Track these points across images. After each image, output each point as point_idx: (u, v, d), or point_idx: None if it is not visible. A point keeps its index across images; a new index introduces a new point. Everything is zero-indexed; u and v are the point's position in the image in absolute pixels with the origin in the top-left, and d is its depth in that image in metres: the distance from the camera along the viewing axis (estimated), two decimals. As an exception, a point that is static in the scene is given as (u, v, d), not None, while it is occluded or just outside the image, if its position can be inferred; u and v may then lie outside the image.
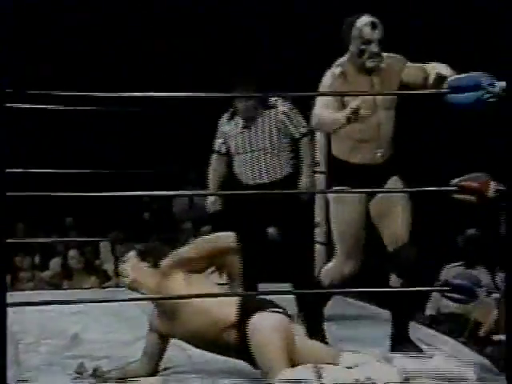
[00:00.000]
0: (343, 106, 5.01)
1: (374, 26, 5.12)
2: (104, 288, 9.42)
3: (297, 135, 6.28)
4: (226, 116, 6.41)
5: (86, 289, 9.33)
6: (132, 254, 5.04)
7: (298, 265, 6.26)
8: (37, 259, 10.41)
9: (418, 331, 5.84)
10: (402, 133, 5.25)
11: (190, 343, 4.88)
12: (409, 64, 5.20)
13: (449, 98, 4.64)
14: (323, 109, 5.07)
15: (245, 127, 6.29)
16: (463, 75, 4.65)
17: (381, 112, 5.14)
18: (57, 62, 12.48)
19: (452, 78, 4.74)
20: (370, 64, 5.10)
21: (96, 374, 4.77)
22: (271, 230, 6.32)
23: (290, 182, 6.26)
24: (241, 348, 4.65)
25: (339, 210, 5.24)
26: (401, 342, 5.12)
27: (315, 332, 5.39)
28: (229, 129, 6.38)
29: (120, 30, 12.72)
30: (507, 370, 4.16)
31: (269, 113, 6.25)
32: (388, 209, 5.21)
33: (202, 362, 4.93)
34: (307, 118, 6.10)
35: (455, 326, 7.74)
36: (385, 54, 5.19)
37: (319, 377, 4.37)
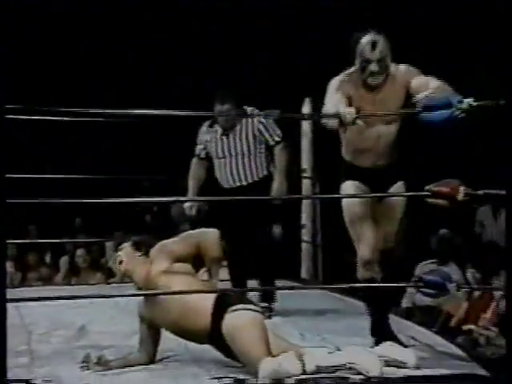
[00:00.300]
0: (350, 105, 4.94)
1: (373, 46, 4.93)
2: (109, 284, 9.42)
3: (271, 142, 6.32)
4: (206, 124, 6.43)
5: (92, 284, 9.33)
6: (127, 244, 5.09)
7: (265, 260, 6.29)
8: (48, 258, 10.39)
9: (395, 323, 5.86)
10: (409, 141, 5.21)
11: (169, 330, 4.87)
12: (417, 77, 4.98)
13: (422, 116, 4.68)
14: (331, 104, 4.95)
15: (223, 134, 6.32)
16: (436, 95, 4.68)
17: (381, 126, 5.00)
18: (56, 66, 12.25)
19: (424, 98, 4.74)
20: (370, 81, 4.97)
21: (100, 362, 4.77)
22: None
23: (266, 183, 6.27)
24: (215, 337, 4.64)
25: (349, 200, 5.17)
26: (383, 335, 5.07)
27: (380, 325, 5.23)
28: (209, 136, 6.41)
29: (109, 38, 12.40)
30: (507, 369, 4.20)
31: (246, 121, 6.28)
32: (386, 211, 5.17)
33: (199, 351, 4.91)
34: (282, 127, 6.15)
35: (429, 318, 7.76)
36: (393, 66, 5.03)
37: (302, 363, 4.39)
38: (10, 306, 5.50)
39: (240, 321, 4.58)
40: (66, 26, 12.15)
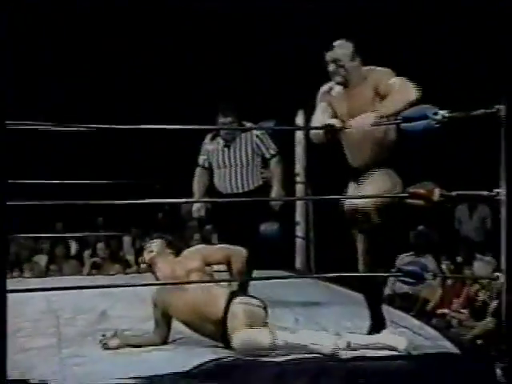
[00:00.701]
0: (335, 115, 4.92)
1: (329, 48, 4.89)
2: (127, 274, 9.44)
3: (267, 156, 6.31)
4: (209, 136, 6.39)
5: (111, 275, 9.35)
6: (161, 240, 5.11)
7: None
8: (73, 250, 10.41)
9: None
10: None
11: (180, 320, 4.89)
12: (387, 81, 4.84)
13: (402, 126, 4.71)
14: (317, 115, 4.97)
15: (225, 146, 6.29)
16: (413, 108, 4.71)
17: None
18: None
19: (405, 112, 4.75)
20: (334, 80, 4.93)
21: (117, 334, 4.80)
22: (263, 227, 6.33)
23: (260, 192, 6.26)
24: (222, 334, 4.71)
25: None
26: (381, 321, 5.05)
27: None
28: (211, 147, 6.37)
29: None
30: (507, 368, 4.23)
31: (245, 135, 6.26)
32: None
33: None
34: (277, 136, 6.15)
35: (407, 303, 7.77)
36: (366, 68, 4.92)
37: (274, 338, 4.41)
38: (38, 294, 5.56)
39: (235, 308, 4.67)
40: (71, 32, 11.54)
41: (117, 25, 11.37)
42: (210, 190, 6.41)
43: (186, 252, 5.07)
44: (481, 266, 7.76)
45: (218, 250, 5.16)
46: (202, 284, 4.86)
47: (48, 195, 5.15)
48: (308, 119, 7.20)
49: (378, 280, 5.22)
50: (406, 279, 4.90)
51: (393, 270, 4.96)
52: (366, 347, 4.50)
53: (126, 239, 10.47)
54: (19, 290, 4.18)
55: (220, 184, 6.33)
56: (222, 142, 6.31)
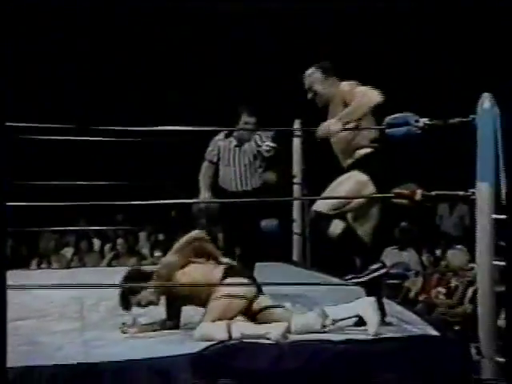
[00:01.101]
0: None
1: (304, 79, 5.01)
2: (142, 265, 9.40)
3: (266, 154, 6.03)
4: (222, 134, 6.11)
5: (129, 266, 9.32)
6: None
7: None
8: (95, 244, 10.42)
9: (364, 295, 5.86)
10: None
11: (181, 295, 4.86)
12: (349, 92, 4.80)
13: (387, 132, 4.71)
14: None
15: (236, 146, 6.07)
16: (397, 115, 4.71)
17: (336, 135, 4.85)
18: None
19: (389, 117, 4.76)
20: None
21: (134, 325, 4.78)
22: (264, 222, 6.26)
23: (261, 190, 6.09)
24: None
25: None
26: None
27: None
28: (223, 144, 6.10)
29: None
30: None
31: (254, 138, 6.06)
32: None
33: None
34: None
35: (393, 292, 7.75)
36: (337, 85, 4.90)
37: (229, 332, 4.41)
38: (66, 282, 5.51)
39: (212, 303, 4.64)
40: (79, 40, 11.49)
41: (128, 29, 11.28)
42: (214, 185, 6.21)
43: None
44: (453, 254, 7.78)
45: (180, 244, 4.99)
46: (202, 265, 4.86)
47: (72, 194, 5.17)
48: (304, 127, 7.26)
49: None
50: (393, 281, 4.93)
51: (381, 270, 4.88)
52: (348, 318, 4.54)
53: (142, 234, 10.46)
54: (18, 286, 4.19)
55: (226, 180, 6.11)
56: (234, 141, 6.08)
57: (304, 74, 5.01)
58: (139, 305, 4.81)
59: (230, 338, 4.38)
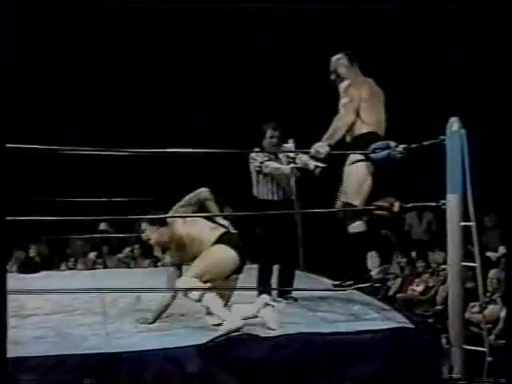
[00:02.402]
0: None
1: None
2: (156, 267, 9.36)
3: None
4: (256, 149, 5.64)
5: (144, 267, 9.28)
6: (144, 224, 4.90)
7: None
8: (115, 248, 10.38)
9: (350, 293, 5.86)
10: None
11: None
12: (344, 92, 4.93)
13: (370, 155, 4.77)
14: None
15: (270, 159, 5.64)
16: (378, 142, 4.78)
17: None
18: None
19: (373, 144, 4.81)
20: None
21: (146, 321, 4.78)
22: None
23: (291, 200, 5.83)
24: None
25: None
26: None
27: None
28: (261, 159, 5.61)
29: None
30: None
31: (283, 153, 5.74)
32: None
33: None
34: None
35: (375, 290, 7.74)
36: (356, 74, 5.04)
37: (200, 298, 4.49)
38: (89, 281, 5.50)
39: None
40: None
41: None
42: (250, 197, 5.81)
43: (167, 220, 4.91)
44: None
45: (183, 201, 4.91)
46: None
47: (96, 206, 5.17)
48: (297, 147, 7.22)
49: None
50: (376, 285, 5.01)
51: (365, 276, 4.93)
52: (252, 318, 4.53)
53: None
54: (18, 291, 4.18)
55: (264, 192, 5.64)
56: (267, 156, 5.65)
57: (331, 59, 5.04)
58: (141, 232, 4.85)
59: (199, 300, 4.47)
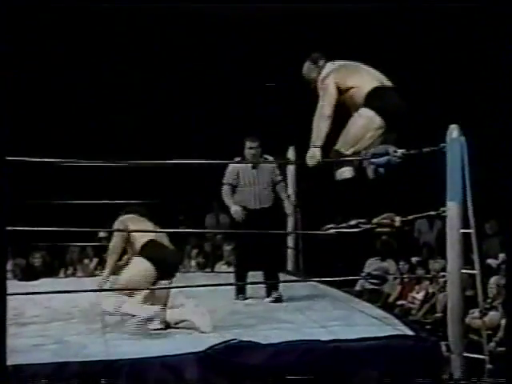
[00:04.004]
0: None
1: None
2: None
3: (277, 180, 6.16)
4: (236, 159, 6.04)
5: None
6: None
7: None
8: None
9: (350, 300, 5.88)
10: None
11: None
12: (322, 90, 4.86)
13: (371, 160, 4.76)
14: None
15: (253, 168, 6.04)
16: (378, 147, 4.76)
17: None
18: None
19: (372, 149, 4.79)
20: None
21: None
22: None
23: (271, 209, 6.10)
24: None
25: None
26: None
27: None
28: (240, 167, 6.06)
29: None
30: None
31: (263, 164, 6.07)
32: None
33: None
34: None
35: (374, 297, 7.75)
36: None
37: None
38: (89, 288, 5.47)
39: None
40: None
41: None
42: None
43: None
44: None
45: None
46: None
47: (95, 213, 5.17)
48: (298, 154, 7.25)
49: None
50: (373, 281, 4.97)
51: (362, 274, 4.95)
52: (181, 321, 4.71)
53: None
54: (17, 293, 4.23)
55: (245, 199, 6.03)
56: (249, 164, 6.04)
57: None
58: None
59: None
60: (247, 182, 6.03)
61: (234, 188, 6.07)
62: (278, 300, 5.83)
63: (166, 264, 4.87)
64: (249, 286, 6.12)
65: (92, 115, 10.71)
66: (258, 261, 6.00)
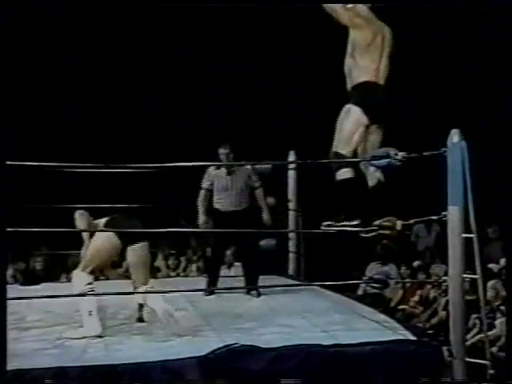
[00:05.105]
0: None
1: None
2: (157, 278, 9.30)
3: (255, 185, 6.58)
4: (213, 166, 6.56)
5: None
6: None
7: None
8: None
9: (352, 305, 5.87)
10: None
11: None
12: None
13: (371, 162, 4.77)
14: None
15: (227, 174, 6.50)
16: (379, 149, 4.77)
17: None
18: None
19: (372, 151, 4.81)
20: None
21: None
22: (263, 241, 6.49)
23: (250, 210, 6.52)
24: None
25: None
26: None
27: None
28: (216, 173, 6.52)
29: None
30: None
31: (240, 169, 6.51)
32: None
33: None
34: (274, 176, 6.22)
35: (376, 302, 7.74)
36: None
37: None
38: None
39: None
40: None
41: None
42: (210, 207, 6.59)
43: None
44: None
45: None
46: None
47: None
48: (298, 159, 7.27)
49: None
50: (374, 285, 4.97)
51: (364, 278, 4.95)
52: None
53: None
54: (16, 297, 4.19)
55: (223, 203, 6.50)
56: (225, 170, 6.51)
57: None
58: None
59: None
60: (221, 187, 6.49)
61: (211, 192, 6.54)
62: (258, 296, 6.28)
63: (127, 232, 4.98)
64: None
65: (93, 119, 10.72)
66: (239, 260, 6.60)
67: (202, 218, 6.54)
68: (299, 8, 8.87)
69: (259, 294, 6.30)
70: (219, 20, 10.22)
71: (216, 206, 6.54)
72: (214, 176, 6.52)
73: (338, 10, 4.79)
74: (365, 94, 4.79)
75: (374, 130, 4.90)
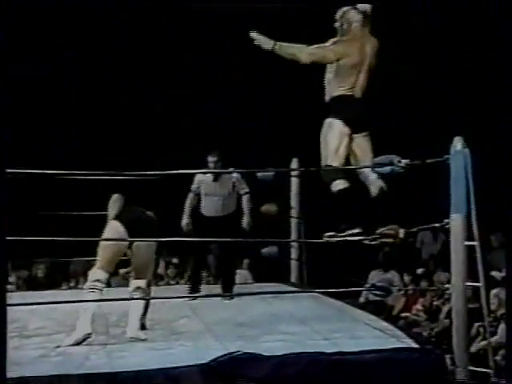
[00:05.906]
0: None
1: None
2: (159, 285, 9.29)
3: (242, 192, 6.82)
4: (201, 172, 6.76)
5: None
6: None
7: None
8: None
9: (354, 312, 5.86)
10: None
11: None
12: None
13: (375, 170, 4.79)
14: None
15: (214, 180, 6.73)
16: (382, 156, 4.80)
17: None
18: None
19: (376, 158, 4.84)
20: None
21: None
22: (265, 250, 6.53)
23: (233, 216, 6.78)
24: None
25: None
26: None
27: None
28: (203, 179, 6.76)
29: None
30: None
31: (228, 175, 6.72)
32: None
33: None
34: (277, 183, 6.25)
35: (378, 309, 7.72)
36: None
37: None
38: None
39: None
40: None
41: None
42: (195, 212, 6.85)
43: None
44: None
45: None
46: None
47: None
48: (301, 166, 7.26)
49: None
50: (377, 292, 4.97)
51: (367, 285, 4.94)
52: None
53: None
54: (16, 304, 4.16)
55: (206, 207, 6.78)
56: (211, 176, 6.74)
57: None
58: None
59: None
60: (207, 192, 6.76)
61: (199, 196, 6.82)
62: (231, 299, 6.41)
63: (135, 223, 4.99)
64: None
65: (96, 125, 10.71)
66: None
67: (184, 220, 6.82)
68: (299, 8, 8.98)
69: (232, 298, 6.41)
70: (212, 28, 10.22)
71: (201, 210, 6.83)
72: (201, 181, 6.79)
73: (325, 55, 4.98)
74: (341, 107, 4.95)
75: (360, 139, 5.02)
